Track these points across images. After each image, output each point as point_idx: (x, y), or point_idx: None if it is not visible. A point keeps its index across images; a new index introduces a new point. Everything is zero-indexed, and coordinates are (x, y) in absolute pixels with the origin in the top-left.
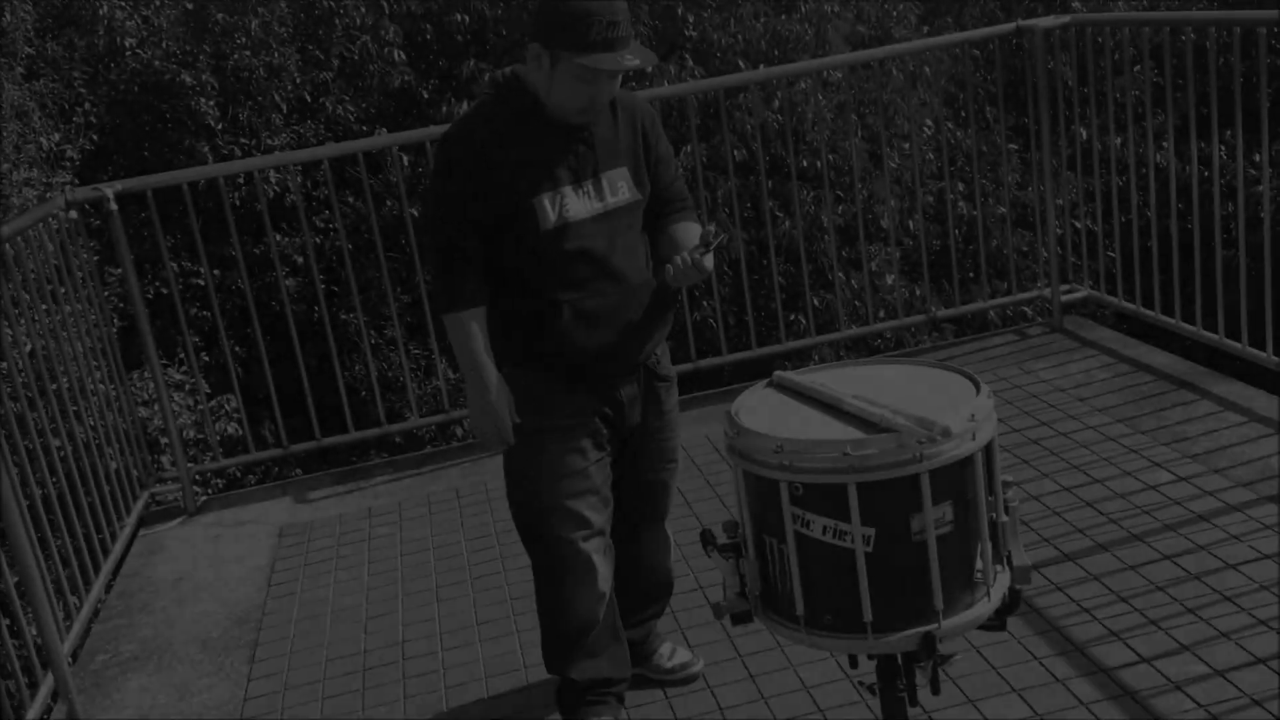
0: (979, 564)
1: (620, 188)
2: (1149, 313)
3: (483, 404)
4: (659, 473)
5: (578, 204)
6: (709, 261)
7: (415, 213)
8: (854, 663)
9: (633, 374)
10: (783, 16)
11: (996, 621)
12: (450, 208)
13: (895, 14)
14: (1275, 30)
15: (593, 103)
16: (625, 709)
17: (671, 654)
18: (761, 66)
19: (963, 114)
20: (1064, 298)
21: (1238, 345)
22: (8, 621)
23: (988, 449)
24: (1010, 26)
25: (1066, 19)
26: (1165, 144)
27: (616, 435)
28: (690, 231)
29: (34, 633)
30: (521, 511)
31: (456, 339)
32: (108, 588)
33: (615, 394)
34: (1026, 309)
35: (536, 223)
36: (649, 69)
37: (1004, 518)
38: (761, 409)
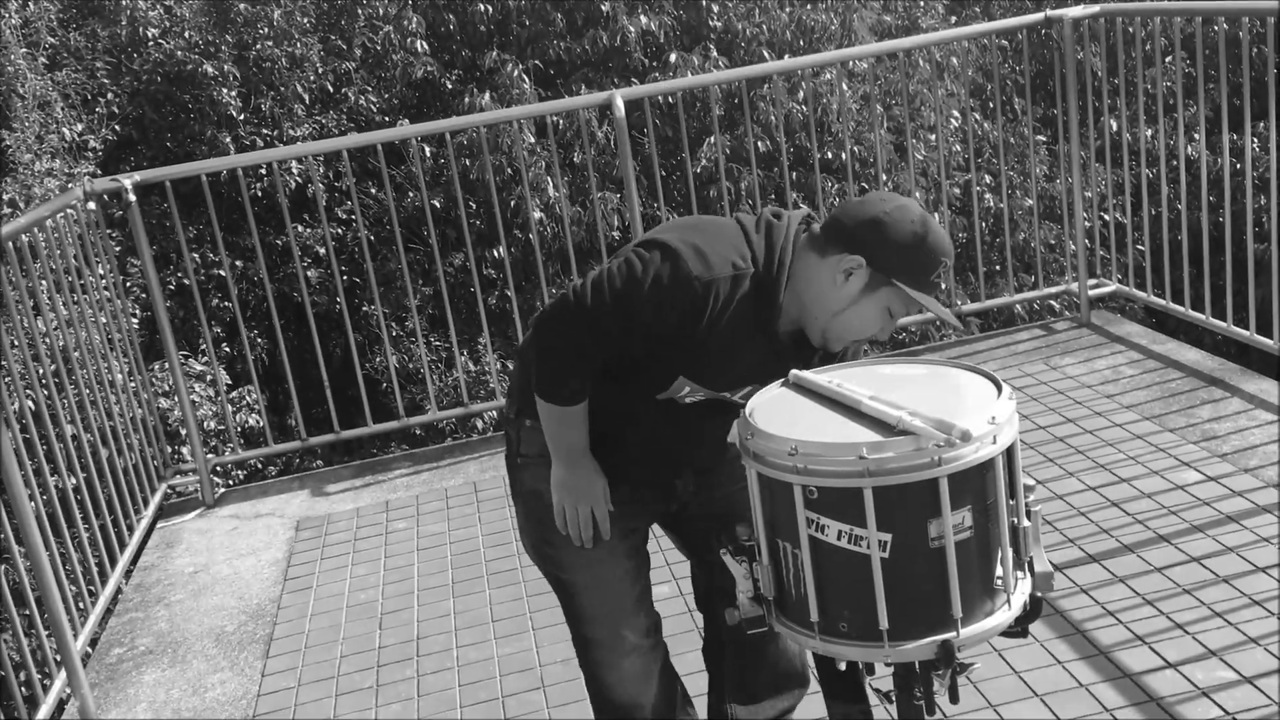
0: (999, 570)
1: (748, 392)
2: (1178, 308)
3: (576, 486)
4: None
5: (701, 395)
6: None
7: (437, 204)
8: (870, 669)
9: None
10: (808, 6)
11: (1017, 629)
12: (624, 320)
13: (922, 3)
14: None
15: (874, 336)
16: None
17: None
18: (786, 56)
19: (990, 105)
20: (1092, 292)
21: (1269, 341)
22: (25, 612)
23: (1009, 452)
24: (1039, 16)
25: (1096, 9)
26: (1196, 136)
27: (668, 505)
28: None
29: (47, 629)
30: (560, 591)
31: (557, 423)
32: (125, 580)
33: (656, 465)
34: (1054, 303)
35: (654, 387)
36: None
37: (1025, 523)
38: (777, 410)
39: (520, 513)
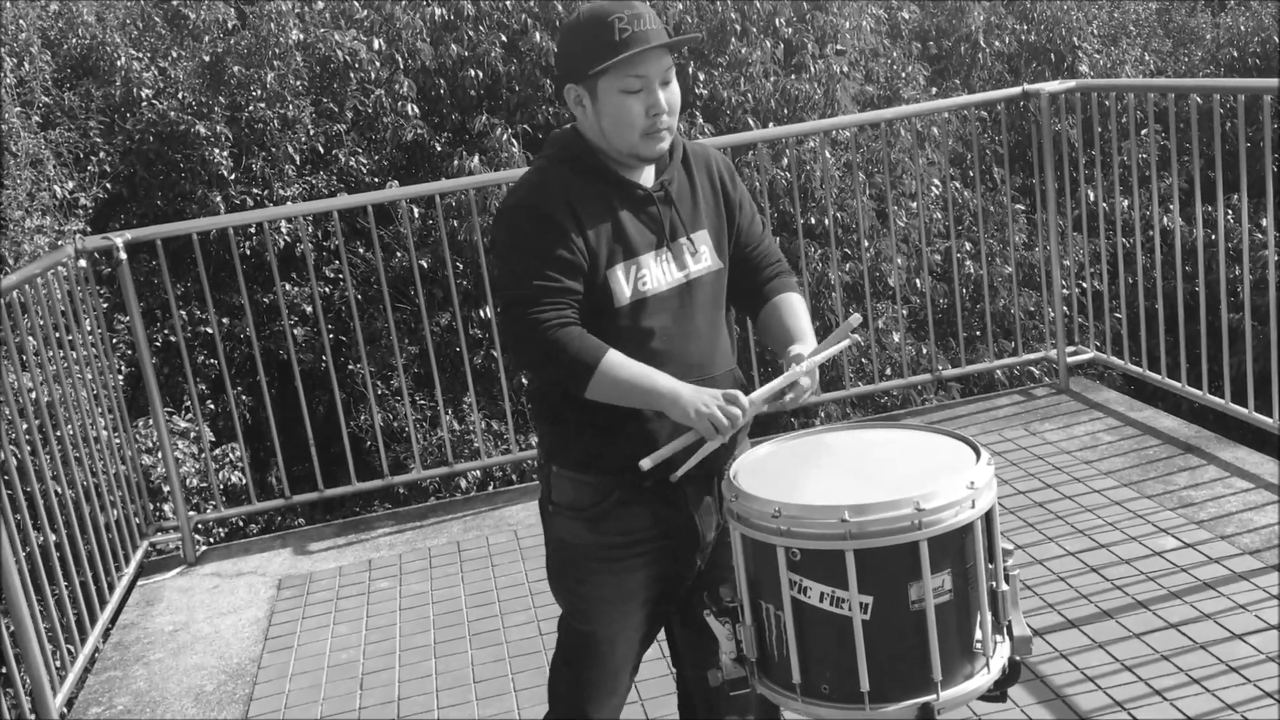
0: (978, 634)
1: (703, 253)
2: (1155, 375)
3: (694, 405)
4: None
5: (657, 274)
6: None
7: (425, 264)
8: None
9: (709, 481)
10: (792, 76)
11: (996, 693)
12: (537, 274)
13: (904, 75)
14: (1279, 97)
15: (654, 118)
16: None
17: None
18: (771, 124)
19: (970, 174)
20: (1070, 359)
21: (1244, 410)
22: (2, 670)
23: (988, 517)
24: (1017, 90)
25: (1073, 84)
26: (1171, 207)
27: (691, 556)
28: (798, 313)
29: (27, 684)
30: (567, 624)
31: (623, 388)
32: (104, 638)
33: (686, 504)
34: (1033, 369)
35: (611, 297)
36: (699, 45)
37: (1004, 587)
38: (760, 471)
39: (550, 556)
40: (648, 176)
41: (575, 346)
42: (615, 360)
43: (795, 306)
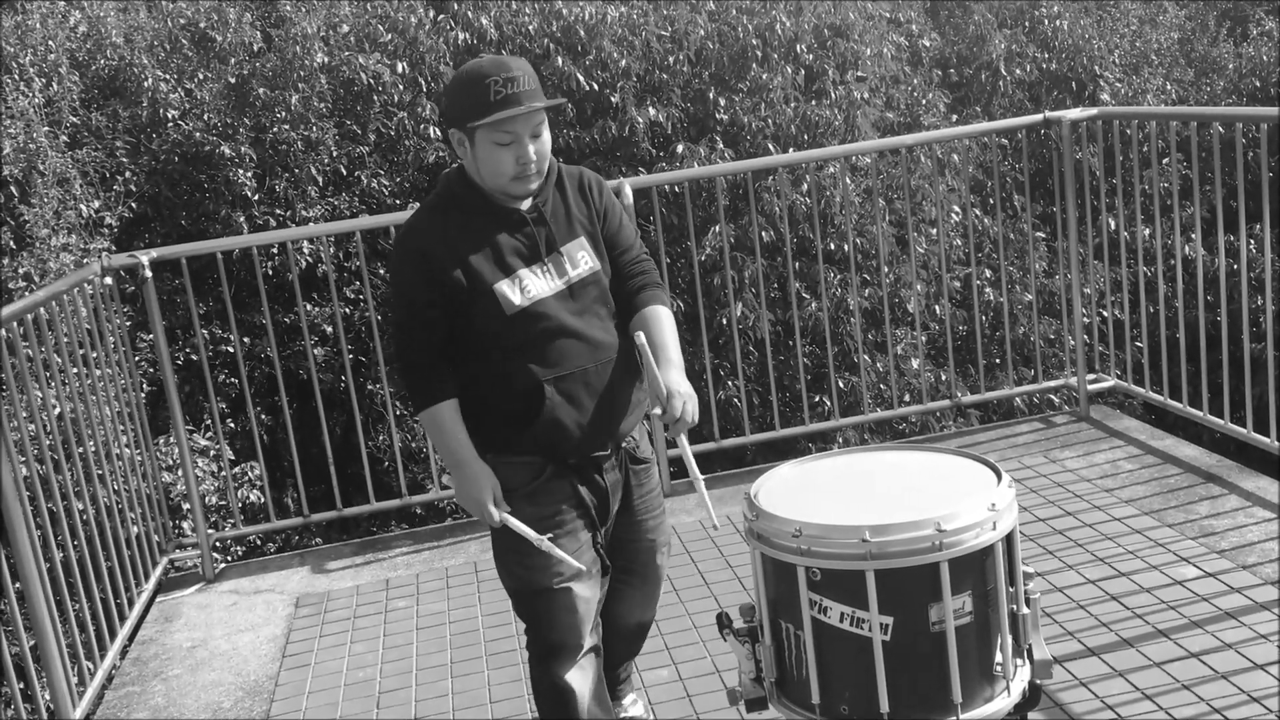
0: (999, 657)
1: (580, 259)
2: (1176, 404)
3: (463, 490)
4: (648, 537)
5: (539, 283)
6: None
7: None
8: None
9: (615, 453)
10: (813, 102)
11: (1016, 716)
12: (411, 305)
13: (924, 102)
14: None
15: (522, 166)
16: None
17: (633, 703)
18: (791, 150)
19: (990, 201)
20: (1091, 387)
21: (1266, 439)
22: (22, 686)
23: (1008, 539)
24: (1038, 117)
25: (1094, 111)
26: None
27: (603, 523)
28: (663, 327)
29: (47, 698)
30: (522, 602)
31: (434, 433)
32: (123, 654)
33: (599, 478)
34: (1053, 397)
35: (501, 308)
36: (569, 111)
37: (1025, 610)
38: (781, 491)
39: (495, 543)
40: (525, 201)
41: (421, 382)
42: (440, 413)
43: (661, 320)
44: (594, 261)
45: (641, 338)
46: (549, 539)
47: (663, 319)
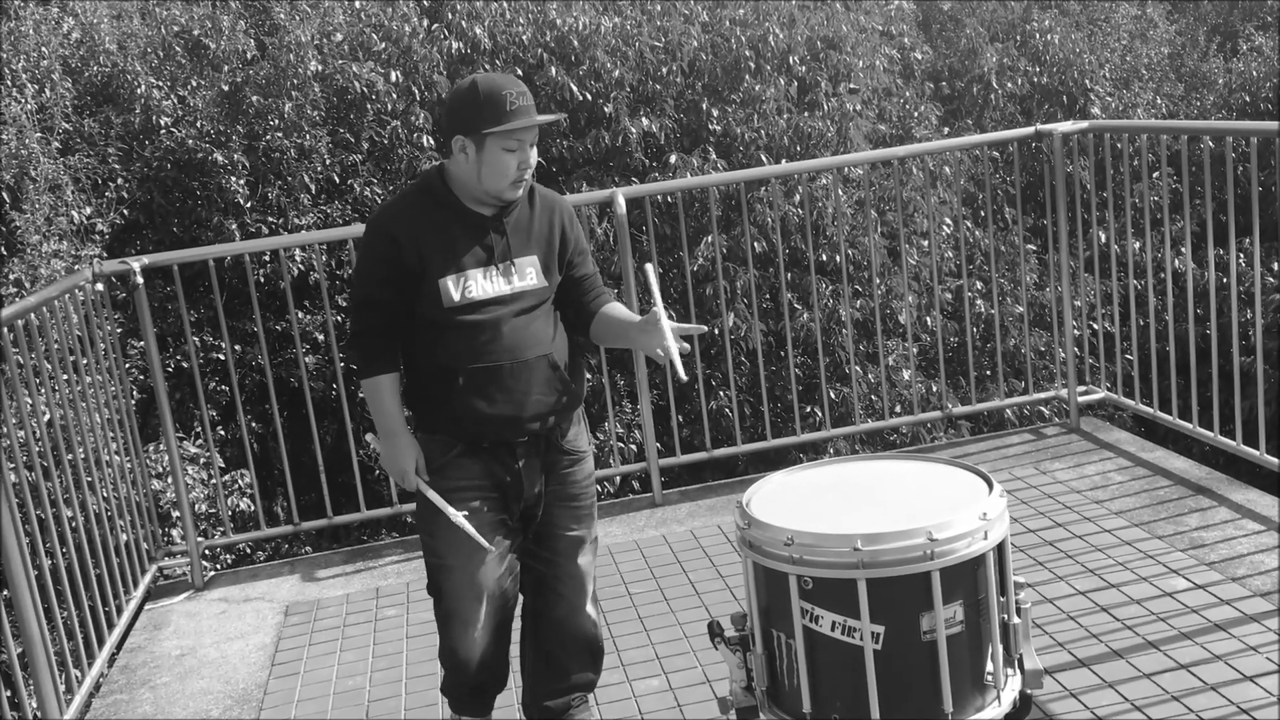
0: (990, 666)
1: (529, 273)
2: (1166, 416)
3: (389, 456)
4: (570, 530)
5: (484, 284)
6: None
7: None
8: None
9: (530, 443)
10: (805, 113)
11: None
12: (368, 283)
13: (916, 114)
14: None
15: (521, 171)
16: None
17: None
18: (783, 161)
19: (981, 214)
20: (1081, 399)
21: (1255, 452)
22: (9, 693)
23: (1000, 549)
24: (1030, 130)
25: (1085, 124)
26: (1183, 249)
27: (516, 505)
28: (621, 310)
29: (34, 705)
30: (429, 570)
31: (372, 403)
32: (111, 661)
33: (513, 463)
34: (1043, 409)
35: (440, 300)
36: (563, 123)
37: (1016, 619)
38: (773, 500)
39: (417, 511)
40: (491, 209)
41: (368, 353)
42: (380, 384)
43: (619, 307)
44: (540, 279)
45: (647, 266)
46: (464, 515)
47: (620, 308)
